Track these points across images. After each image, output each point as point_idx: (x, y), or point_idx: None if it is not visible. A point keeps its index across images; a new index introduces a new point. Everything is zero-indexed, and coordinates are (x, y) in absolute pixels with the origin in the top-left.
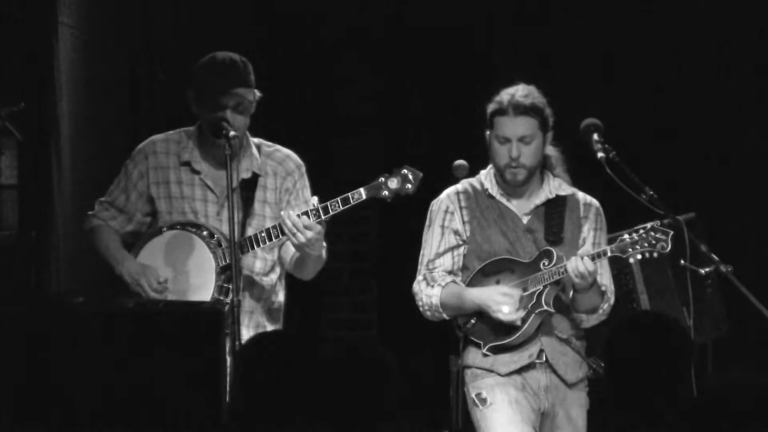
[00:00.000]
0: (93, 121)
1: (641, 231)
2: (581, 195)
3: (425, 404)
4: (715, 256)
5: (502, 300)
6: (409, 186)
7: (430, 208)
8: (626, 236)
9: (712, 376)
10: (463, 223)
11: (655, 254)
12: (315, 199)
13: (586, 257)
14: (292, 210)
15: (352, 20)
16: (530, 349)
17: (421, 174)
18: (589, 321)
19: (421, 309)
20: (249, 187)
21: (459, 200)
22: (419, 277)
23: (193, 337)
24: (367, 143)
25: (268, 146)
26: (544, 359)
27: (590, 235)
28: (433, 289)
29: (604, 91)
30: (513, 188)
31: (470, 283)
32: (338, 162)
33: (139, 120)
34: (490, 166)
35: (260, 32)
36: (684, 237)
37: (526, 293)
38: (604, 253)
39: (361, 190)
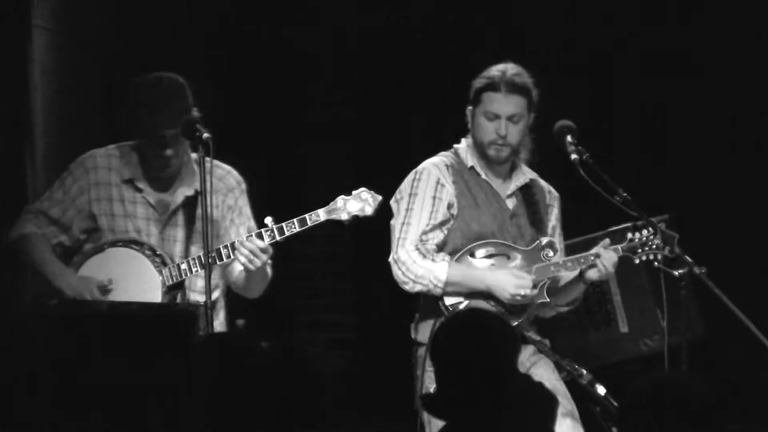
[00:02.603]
0: (67, 123)
1: (647, 233)
2: (543, 182)
3: (399, 406)
4: (688, 258)
5: (520, 284)
6: (369, 209)
7: (414, 177)
8: (631, 236)
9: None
10: (455, 197)
11: (660, 256)
12: (269, 219)
13: (610, 250)
14: (239, 230)
15: (328, 24)
16: None
17: (381, 198)
18: (559, 310)
19: (407, 278)
20: (192, 204)
21: (449, 173)
22: (408, 247)
23: (166, 338)
24: (339, 150)
25: (207, 161)
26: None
27: (558, 225)
28: (436, 263)
29: (575, 92)
30: (493, 166)
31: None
32: (308, 169)
33: (114, 122)
34: (464, 140)
35: (234, 36)
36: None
37: None
38: (615, 251)
39: (320, 211)
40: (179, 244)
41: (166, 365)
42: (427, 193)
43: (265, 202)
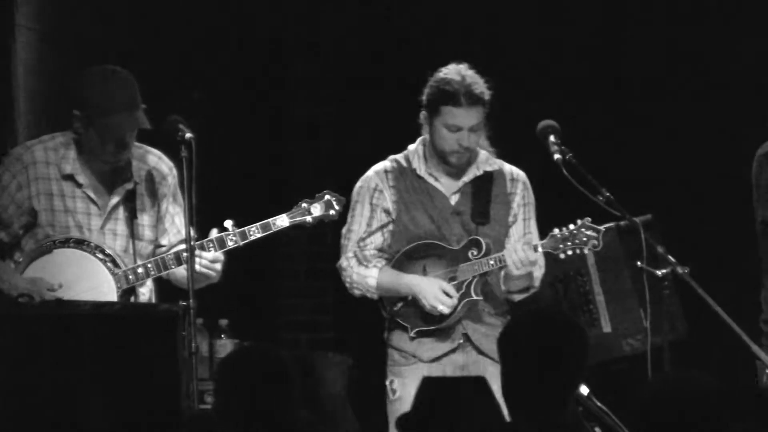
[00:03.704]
0: (51, 123)
1: (572, 227)
2: (507, 168)
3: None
4: (671, 258)
5: (442, 299)
6: (333, 212)
7: (358, 184)
8: (557, 232)
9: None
10: (392, 202)
11: (586, 251)
12: (229, 223)
13: (526, 245)
14: (174, 219)
15: (309, 23)
16: (453, 334)
17: (345, 199)
18: (521, 297)
19: (347, 284)
20: (132, 197)
21: (387, 179)
22: (348, 254)
23: (148, 338)
24: (319, 147)
25: (138, 147)
26: (466, 341)
27: (520, 211)
28: (368, 270)
29: (560, 91)
30: (444, 166)
31: (394, 266)
32: (287, 167)
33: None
34: (418, 142)
35: (220, 36)
36: (641, 239)
37: (455, 282)
38: (535, 248)
39: (284, 216)
40: (120, 238)
41: (147, 364)
42: (365, 200)
43: (247, 201)
